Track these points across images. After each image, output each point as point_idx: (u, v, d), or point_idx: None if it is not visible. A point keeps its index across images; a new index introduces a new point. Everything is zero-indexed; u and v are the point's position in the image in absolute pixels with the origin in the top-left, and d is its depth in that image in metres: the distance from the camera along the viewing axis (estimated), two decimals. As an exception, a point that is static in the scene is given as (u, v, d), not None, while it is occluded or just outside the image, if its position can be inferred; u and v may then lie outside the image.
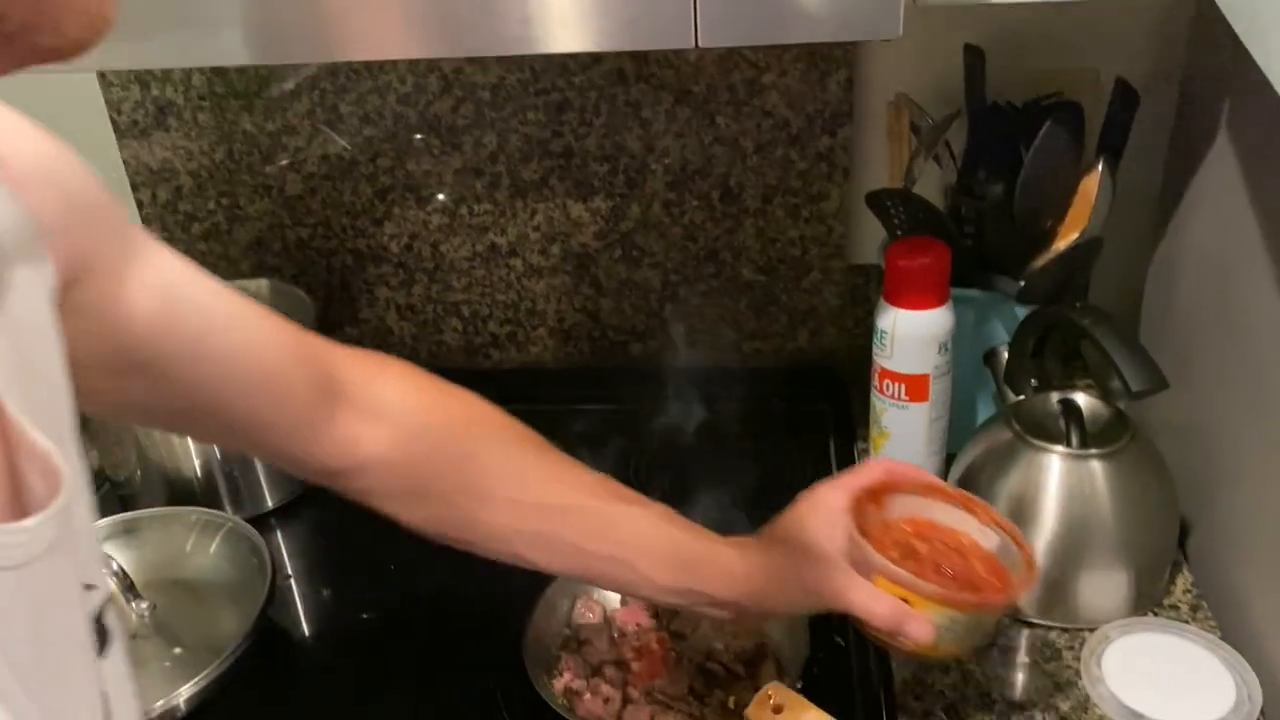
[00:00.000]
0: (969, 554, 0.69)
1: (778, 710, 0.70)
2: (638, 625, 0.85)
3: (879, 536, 0.68)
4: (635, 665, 0.82)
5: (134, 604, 0.87)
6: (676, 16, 0.62)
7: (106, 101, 1.12)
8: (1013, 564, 0.68)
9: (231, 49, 0.71)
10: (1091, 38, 1.01)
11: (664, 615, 0.86)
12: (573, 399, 1.19)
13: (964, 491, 0.71)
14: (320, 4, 0.67)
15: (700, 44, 0.64)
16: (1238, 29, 0.63)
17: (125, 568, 0.87)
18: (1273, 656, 0.79)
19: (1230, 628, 0.84)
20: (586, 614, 0.86)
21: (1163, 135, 1.01)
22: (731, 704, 0.79)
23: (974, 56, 0.96)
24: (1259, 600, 0.82)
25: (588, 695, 0.80)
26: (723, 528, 0.94)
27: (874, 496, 0.70)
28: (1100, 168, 0.87)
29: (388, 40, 0.70)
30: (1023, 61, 1.01)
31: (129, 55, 0.74)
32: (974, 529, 0.70)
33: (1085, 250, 0.88)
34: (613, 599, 0.88)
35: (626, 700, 0.79)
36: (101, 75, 1.10)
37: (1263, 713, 0.76)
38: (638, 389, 1.18)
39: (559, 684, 0.82)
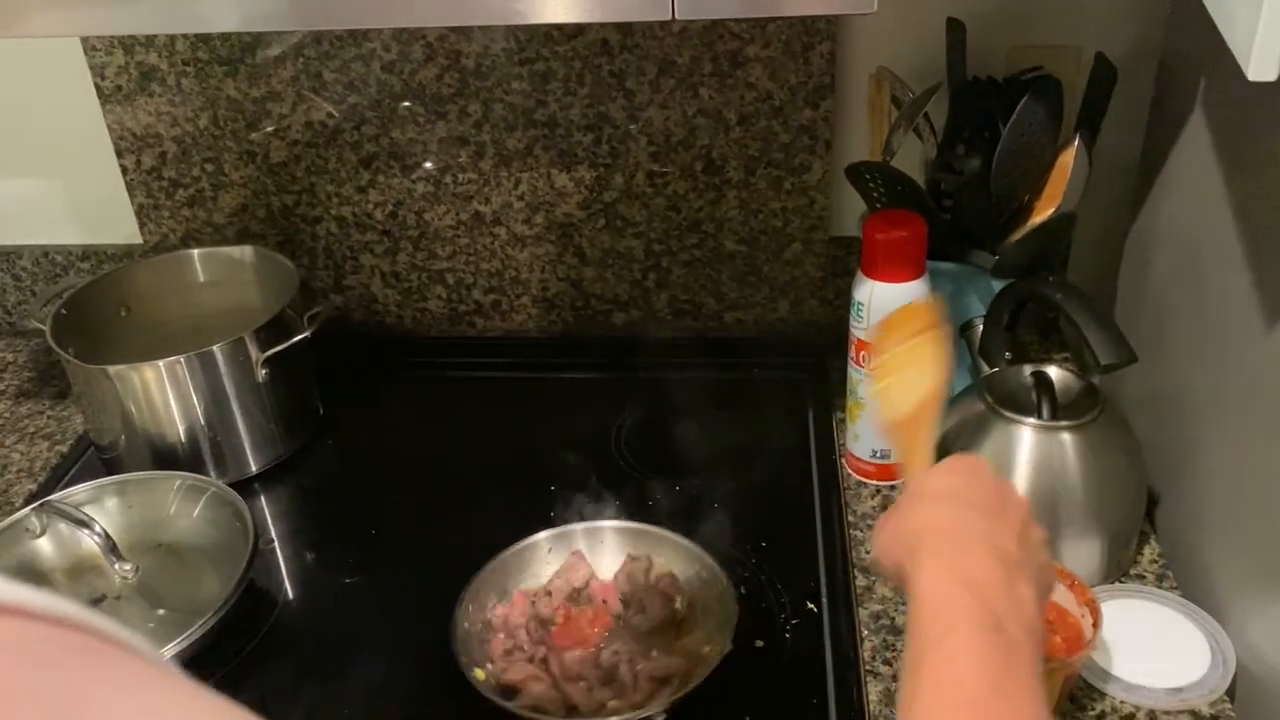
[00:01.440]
0: (1057, 625, 0.77)
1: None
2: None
3: None
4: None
5: (117, 566, 0.88)
6: (653, -11, 0.63)
7: (90, 66, 1.12)
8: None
9: (215, 15, 0.72)
10: (1073, 14, 1.02)
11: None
12: (556, 367, 1.20)
13: (1070, 572, 0.79)
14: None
15: (677, 16, 0.64)
16: (1208, 4, 0.64)
17: (109, 530, 0.88)
18: (1235, 625, 0.81)
19: (1195, 597, 0.85)
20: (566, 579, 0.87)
21: (1141, 112, 1.02)
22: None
23: (956, 30, 0.97)
24: (1222, 570, 0.83)
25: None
26: (704, 495, 0.96)
27: None
28: (1076, 143, 0.88)
29: (375, 8, 0.70)
30: (1004, 36, 1.02)
31: (111, 20, 0.74)
32: (1072, 605, 0.78)
33: (1059, 225, 0.89)
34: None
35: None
36: (84, 40, 1.10)
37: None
38: (620, 358, 1.20)
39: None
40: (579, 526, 0.90)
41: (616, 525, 0.90)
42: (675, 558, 0.87)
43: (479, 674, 0.79)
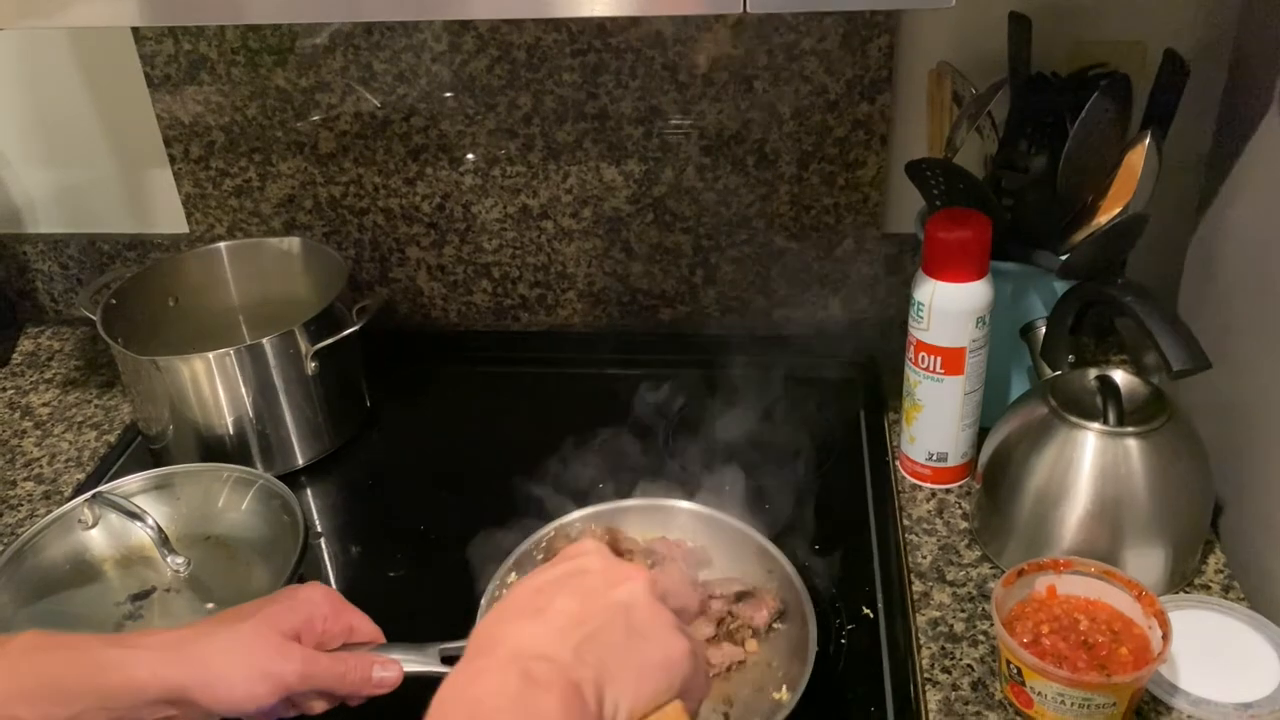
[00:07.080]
0: (1123, 636, 0.75)
1: None
2: None
3: (1039, 606, 0.78)
4: None
5: (169, 559, 0.88)
6: (727, -19, 0.61)
7: (140, 55, 1.11)
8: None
9: (264, 7, 0.70)
10: (1140, 8, 0.99)
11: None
12: (600, 363, 1.19)
13: (1137, 581, 0.76)
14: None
15: (749, 9, 0.63)
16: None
17: (160, 522, 0.88)
18: (1304, 639, 0.79)
19: (1263, 608, 0.83)
20: None
21: (1209, 110, 0.99)
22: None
23: (1019, 25, 0.94)
24: (1292, 582, 0.81)
25: None
26: (754, 497, 0.95)
27: (1056, 567, 0.78)
28: (1147, 141, 0.86)
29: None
30: (1069, 31, 1.00)
31: (162, 12, 0.73)
32: (1139, 616, 0.76)
33: (1129, 226, 0.87)
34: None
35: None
36: (134, 29, 1.10)
37: (1294, 694, 0.76)
38: (666, 354, 1.18)
39: None
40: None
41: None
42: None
43: None
